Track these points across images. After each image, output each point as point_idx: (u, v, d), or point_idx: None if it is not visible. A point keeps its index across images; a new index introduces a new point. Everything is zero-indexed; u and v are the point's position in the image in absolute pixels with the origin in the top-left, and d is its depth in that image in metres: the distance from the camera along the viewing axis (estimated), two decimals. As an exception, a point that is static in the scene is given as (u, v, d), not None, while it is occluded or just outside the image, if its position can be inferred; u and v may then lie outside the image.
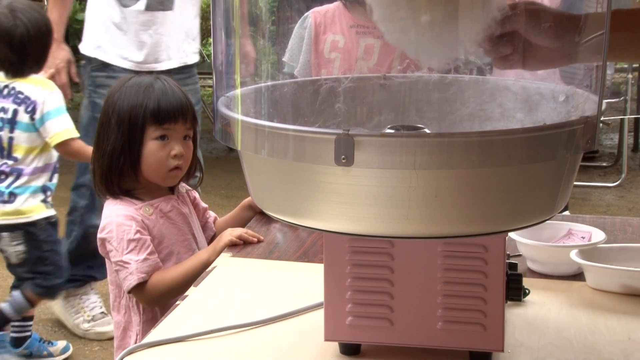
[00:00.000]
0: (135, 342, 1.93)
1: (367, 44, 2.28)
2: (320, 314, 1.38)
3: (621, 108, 5.70)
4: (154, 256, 1.94)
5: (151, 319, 1.97)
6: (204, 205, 2.20)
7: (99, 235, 1.98)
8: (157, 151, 1.99)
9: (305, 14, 2.33)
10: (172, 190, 2.09)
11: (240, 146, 1.26)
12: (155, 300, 1.95)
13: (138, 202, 2.00)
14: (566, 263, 1.70)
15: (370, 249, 1.33)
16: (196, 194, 2.19)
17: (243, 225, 2.09)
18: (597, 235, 1.77)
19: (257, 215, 2.14)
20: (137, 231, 1.94)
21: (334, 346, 1.40)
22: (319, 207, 1.20)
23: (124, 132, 1.98)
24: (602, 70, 1.25)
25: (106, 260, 2.02)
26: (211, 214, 2.21)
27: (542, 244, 1.73)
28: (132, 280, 1.91)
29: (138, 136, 1.98)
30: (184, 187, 2.14)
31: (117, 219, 1.95)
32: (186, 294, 1.65)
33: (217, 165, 5.97)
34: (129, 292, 1.93)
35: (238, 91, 1.39)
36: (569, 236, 1.79)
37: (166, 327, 1.51)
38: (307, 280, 1.70)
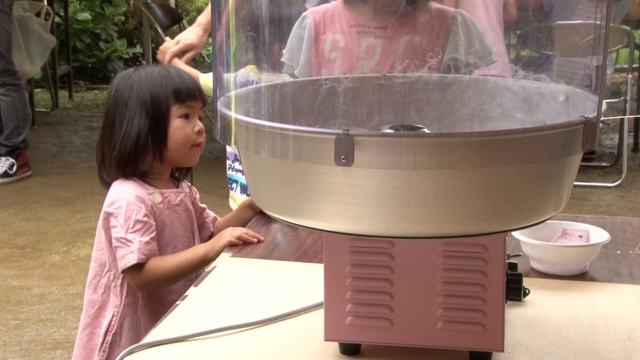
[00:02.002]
0: (111, 323, 1.99)
1: (368, 44, 2.28)
2: (320, 314, 1.38)
3: (621, 108, 5.70)
4: (155, 242, 1.98)
5: (132, 303, 2.00)
6: (202, 205, 2.21)
7: (105, 209, 2.00)
8: (183, 127, 2.05)
9: (304, 14, 2.33)
10: (176, 186, 2.12)
11: (232, 144, 1.26)
12: (146, 285, 1.98)
13: (150, 188, 2.03)
14: (575, 263, 1.71)
15: (370, 249, 1.33)
16: (197, 194, 2.20)
17: (243, 225, 2.10)
18: (596, 234, 1.77)
19: (257, 215, 2.14)
20: (145, 214, 1.97)
21: (334, 346, 1.40)
22: (319, 207, 1.20)
23: (148, 113, 2.03)
24: (602, 70, 1.25)
25: (99, 235, 2.04)
26: (210, 214, 2.22)
27: (552, 245, 1.73)
28: (131, 259, 1.93)
29: (164, 115, 2.04)
30: (188, 185, 2.16)
31: (129, 197, 1.98)
32: (186, 294, 1.65)
33: (217, 165, 5.96)
34: (124, 271, 1.95)
35: (232, 93, 1.39)
36: (565, 236, 1.79)
37: (166, 327, 1.51)
38: (307, 280, 1.70)
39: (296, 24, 2.34)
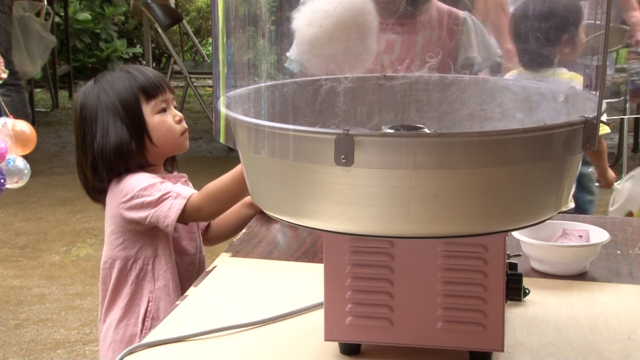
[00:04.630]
0: (147, 309, 1.99)
1: (387, 40, 2.31)
2: (320, 314, 1.38)
3: (621, 108, 5.69)
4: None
5: (164, 286, 2.01)
6: None
7: (122, 201, 1.98)
8: (164, 121, 2.06)
9: None
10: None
11: (223, 140, 1.26)
12: (207, 206, 1.97)
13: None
14: (575, 263, 1.71)
15: (370, 249, 1.33)
16: (190, 185, 2.20)
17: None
18: (596, 234, 1.77)
19: (257, 214, 2.14)
20: (162, 181, 1.99)
21: (334, 346, 1.40)
22: (319, 207, 1.20)
23: (123, 119, 2.02)
24: (602, 70, 1.25)
25: (117, 231, 2.02)
26: None
27: (552, 245, 1.73)
28: (179, 199, 1.94)
29: (139, 116, 2.03)
30: (183, 176, 2.16)
31: (137, 176, 1.99)
32: (186, 293, 1.66)
33: (217, 165, 5.97)
34: (182, 215, 1.94)
35: (223, 93, 1.39)
36: (565, 236, 1.79)
37: (166, 327, 1.51)
38: (307, 280, 1.70)
39: None
